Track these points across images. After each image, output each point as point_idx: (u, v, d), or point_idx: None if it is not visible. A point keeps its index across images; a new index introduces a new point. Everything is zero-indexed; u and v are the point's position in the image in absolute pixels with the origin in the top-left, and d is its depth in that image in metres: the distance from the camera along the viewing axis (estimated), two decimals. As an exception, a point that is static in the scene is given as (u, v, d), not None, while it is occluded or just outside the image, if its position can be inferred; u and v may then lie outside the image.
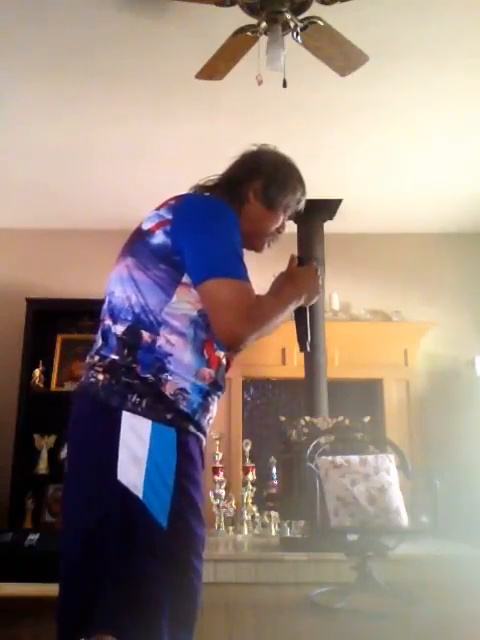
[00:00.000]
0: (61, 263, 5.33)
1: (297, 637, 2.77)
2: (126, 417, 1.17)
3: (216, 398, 1.30)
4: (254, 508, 4.61)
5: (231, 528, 4.53)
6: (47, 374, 4.87)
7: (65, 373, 4.91)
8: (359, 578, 3.27)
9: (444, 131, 3.99)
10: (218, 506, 4.51)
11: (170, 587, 1.14)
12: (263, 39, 2.72)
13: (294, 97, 3.50)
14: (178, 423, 1.20)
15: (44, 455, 4.74)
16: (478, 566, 3.71)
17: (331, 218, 5.07)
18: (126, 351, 1.22)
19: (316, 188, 4.75)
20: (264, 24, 2.67)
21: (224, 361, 1.32)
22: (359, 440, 4.09)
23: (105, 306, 1.31)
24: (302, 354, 4.80)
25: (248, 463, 4.76)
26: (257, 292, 1.27)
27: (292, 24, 2.68)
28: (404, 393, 5.22)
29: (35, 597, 2.92)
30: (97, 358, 1.25)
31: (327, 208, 4.97)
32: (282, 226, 1.49)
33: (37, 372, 4.80)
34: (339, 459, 3.51)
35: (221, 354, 1.30)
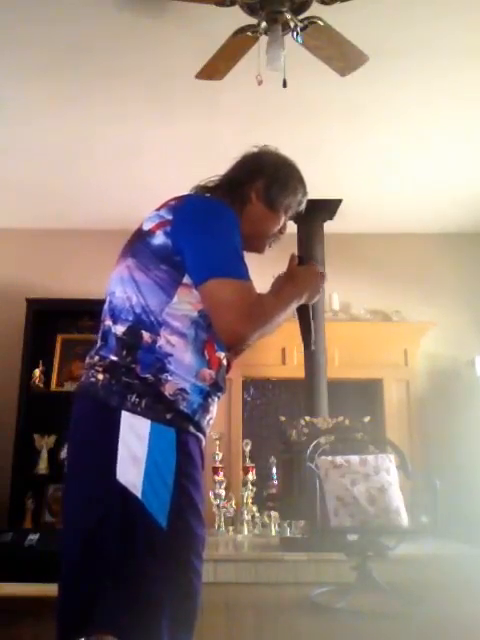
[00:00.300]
0: (61, 263, 5.33)
1: (297, 637, 2.77)
2: (125, 417, 1.17)
3: (216, 399, 1.30)
4: (254, 508, 4.61)
5: (231, 528, 4.53)
6: (47, 374, 4.87)
7: (65, 373, 4.91)
8: (359, 578, 3.27)
9: (444, 131, 3.99)
10: (218, 506, 4.51)
11: (170, 587, 1.14)
12: (263, 39, 2.72)
13: (294, 97, 3.50)
14: (178, 423, 1.20)
15: (44, 455, 4.74)
16: (478, 566, 3.71)
17: (331, 218, 5.07)
18: (126, 351, 1.22)
19: (316, 188, 4.75)
20: (264, 24, 2.67)
21: (225, 362, 1.32)
22: (359, 440, 4.09)
23: (106, 306, 1.31)
24: (302, 354, 4.80)
25: (248, 463, 4.76)
26: (258, 291, 1.27)
27: (292, 24, 2.67)
28: (404, 393, 5.22)
29: (35, 597, 2.92)
30: (97, 358, 1.25)
31: (327, 208, 4.97)
32: (283, 227, 1.50)
33: (37, 372, 4.80)
34: (339, 459, 3.51)
35: (222, 355, 1.30)
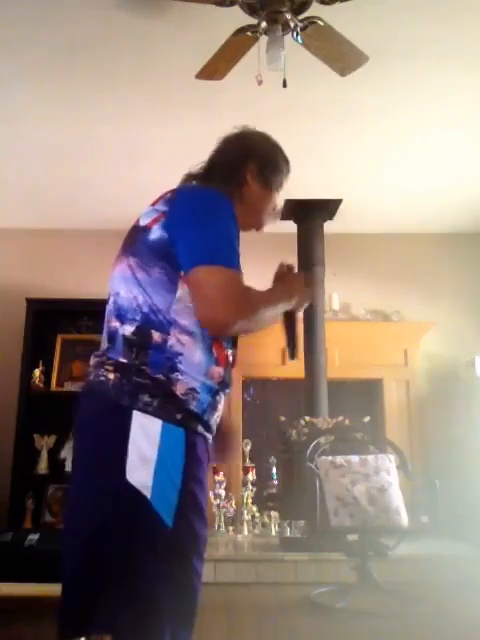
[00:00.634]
0: (61, 263, 5.33)
1: (297, 637, 2.77)
2: (136, 417, 1.16)
3: (223, 396, 1.30)
4: (254, 508, 4.61)
5: (231, 528, 4.53)
6: (47, 374, 4.87)
7: (65, 373, 4.91)
8: (359, 578, 3.27)
9: (444, 131, 3.99)
10: (218, 506, 4.51)
11: (172, 587, 1.15)
12: (263, 39, 2.72)
13: (294, 97, 3.50)
14: (187, 423, 1.20)
15: (44, 455, 4.74)
16: (478, 566, 3.71)
17: (331, 218, 5.07)
18: (135, 352, 1.21)
19: (316, 188, 4.80)
20: (264, 24, 2.67)
21: (231, 358, 1.32)
22: (359, 440, 4.09)
23: (110, 307, 1.30)
24: (302, 354, 4.80)
25: (248, 463, 4.77)
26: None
27: (292, 24, 2.68)
28: (404, 393, 5.22)
29: (35, 597, 2.92)
30: (105, 359, 1.24)
31: (327, 208, 4.97)
32: (277, 205, 1.54)
33: (37, 372, 4.80)
34: (339, 459, 3.51)
35: (228, 351, 1.30)
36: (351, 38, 2.78)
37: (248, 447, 4.81)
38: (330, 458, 3.54)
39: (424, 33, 3.11)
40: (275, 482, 4.70)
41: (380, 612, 3.01)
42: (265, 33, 2.70)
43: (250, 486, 4.66)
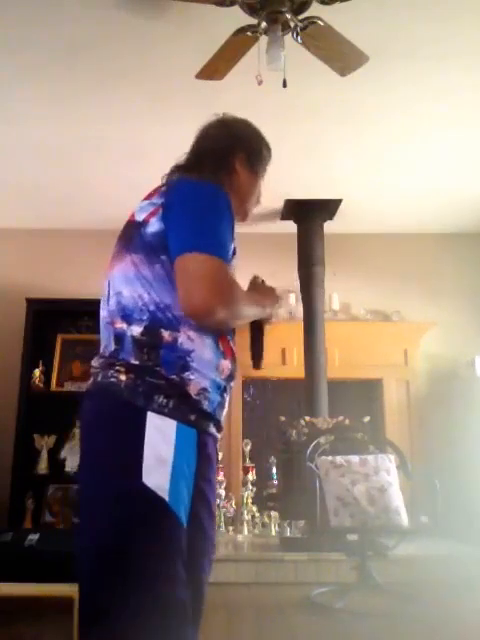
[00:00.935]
0: (61, 263, 5.33)
1: (297, 637, 2.77)
2: (151, 418, 1.15)
3: (230, 390, 1.31)
4: (254, 508, 4.61)
5: (231, 528, 4.53)
6: (47, 374, 4.87)
7: (65, 373, 4.91)
8: (359, 578, 3.27)
9: (444, 131, 3.99)
10: (218, 506, 4.51)
11: (189, 587, 1.15)
12: (263, 39, 2.72)
13: (294, 97, 3.50)
14: (199, 424, 1.20)
15: (44, 455, 4.74)
16: (478, 566, 3.71)
17: (331, 218, 5.07)
18: (146, 352, 1.19)
19: (316, 188, 4.80)
20: (264, 24, 2.66)
21: (235, 350, 1.32)
22: (359, 440, 4.09)
23: (113, 307, 1.26)
24: (302, 354, 4.80)
25: (248, 463, 4.77)
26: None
27: (292, 24, 2.67)
28: (404, 393, 5.22)
29: (35, 597, 2.91)
30: (114, 360, 1.22)
31: (327, 208, 4.97)
32: (260, 192, 1.55)
33: (37, 372, 4.80)
34: (339, 459, 3.51)
35: (232, 343, 1.31)
36: (351, 38, 2.78)
37: (248, 447, 4.81)
38: (330, 458, 3.54)
39: (424, 33, 3.11)
40: (275, 482, 4.70)
41: (380, 612, 3.01)
42: (265, 33, 2.70)
43: (250, 486, 4.66)
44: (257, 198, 1.54)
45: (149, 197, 1.32)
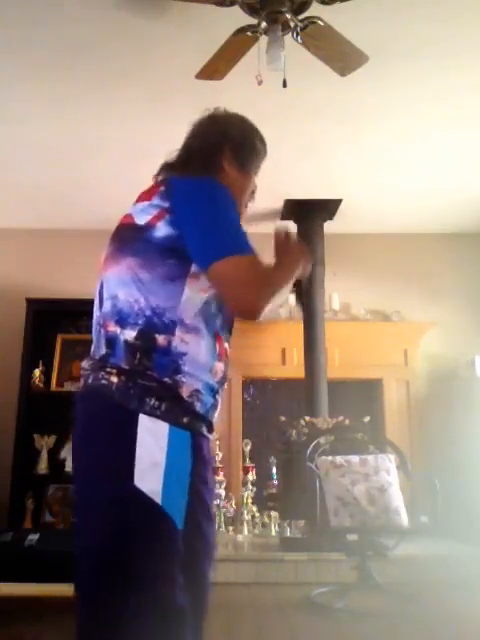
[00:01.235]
0: (61, 263, 5.32)
1: (297, 637, 2.77)
2: (143, 420, 1.14)
3: (222, 392, 1.30)
4: (254, 508, 4.61)
5: (231, 528, 4.53)
6: (47, 374, 4.87)
7: (65, 373, 4.91)
8: (359, 578, 3.27)
9: (445, 131, 3.99)
10: (218, 506, 4.51)
11: (189, 590, 1.14)
12: (263, 39, 2.72)
13: (294, 97, 3.50)
14: (192, 426, 1.20)
15: (44, 455, 4.74)
16: (478, 566, 3.71)
17: (331, 218, 5.07)
18: (139, 357, 1.18)
19: (316, 188, 4.80)
20: (264, 24, 2.66)
21: (228, 352, 1.32)
22: (359, 440, 4.09)
23: (108, 310, 1.25)
24: (302, 354, 4.80)
25: (248, 463, 4.77)
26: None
27: (292, 24, 2.67)
28: (404, 393, 5.22)
29: (35, 597, 2.91)
30: (104, 363, 1.20)
31: (327, 208, 4.97)
32: (255, 186, 1.51)
33: (37, 372, 4.80)
34: (339, 459, 3.51)
35: (227, 346, 1.30)
36: (351, 38, 2.78)
37: (248, 447, 4.81)
38: (330, 458, 3.54)
39: (424, 33, 3.11)
40: (275, 482, 4.70)
41: (380, 612, 3.01)
42: (265, 33, 2.70)
43: (250, 486, 4.66)
44: (251, 194, 1.49)
45: (147, 198, 1.28)
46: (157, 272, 1.21)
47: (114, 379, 1.17)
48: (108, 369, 1.19)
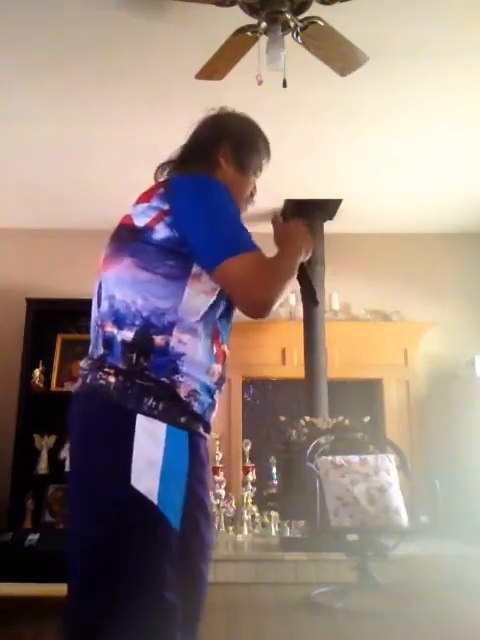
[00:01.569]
0: (61, 263, 5.32)
1: (297, 637, 2.77)
2: (140, 420, 1.14)
3: (219, 393, 1.30)
4: (254, 508, 4.61)
5: (231, 528, 4.53)
6: (47, 374, 4.87)
7: (65, 373, 4.91)
8: (359, 578, 3.27)
9: (444, 131, 3.99)
10: (218, 506, 4.51)
11: (181, 591, 1.14)
12: (263, 39, 2.71)
13: (294, 97, 3.50)
14: (190, 426, 1.20)
15: (44, 455, 4.74)
16: (478, 566, 3.71)
17: (331, 218, 5.06)
18: (136, 357, 1.18)
19: (316, 188, 4.80)
20: (264, 24, 2.66)
21: (227, 353, 1.31)
22: (359, 440, 4.09)
23: (105, 310, 1.25)
24: (302, 354, 4.80)
25: (248, 463, 4.76)
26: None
27: (292, 24, 2.67)
28: (404, 393, 5.22)
29: (35, 597, 2.92)
30: (102, 363, 1.21)
31: (327, 208, 4.97)
32: (255, 188, 1.48)
33: (37, 372, 4.80)
34: (339, 459, 3.51)
35: (225, 347, 1.30)
36: (351, 38, 2.78)
37: (248, 447, 4.81)
38: (330, 458, 3.54)
39: (424, 33, 3.11)
40: (275, 482, 4.70)
41: (380, 612, 3.01)
42: (265, 33, 2.69)
43: (250, 486, 4.66)
44: (250, 197, 1.48)
45: (146, 200, 1.28)
46: (157, 272, 1.21)
47: (112, 379, 1.17)
48: (106, 369, 1.19)
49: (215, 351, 1.25)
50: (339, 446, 3.88)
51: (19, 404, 4.71)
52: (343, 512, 3.30)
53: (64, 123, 3.92)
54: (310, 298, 1.47)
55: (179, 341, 1.19)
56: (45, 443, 4.78)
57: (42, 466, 4.72)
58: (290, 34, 2.72)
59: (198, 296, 1.22)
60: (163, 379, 1.17)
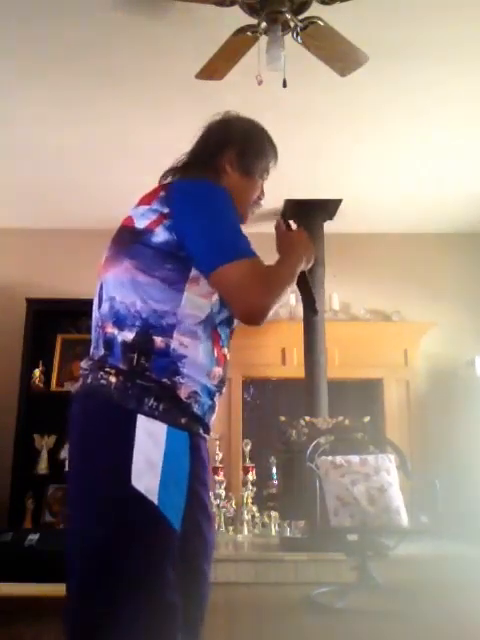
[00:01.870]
0: (61, 263, 5.32)
1: (297, 637, 2.77)
2: (141, 421, 1.14)
3: (219, 396, 1.30)
4: (254, 508, 4.61)
5: (231, 528, 4.53)
6: (47, 374, 4.87)
7: (65, 373, 4.91)
8: (359, 578, 3.27)
9: (444, 131, 3.99)
10: (218, 506, 4.51)
11: (183, 593, 1.14)
12: (263, 39, 2.72)
13: (294, 97, 3.50)
14: (190, 427, 1.19)
15: (44, 455, 4.74)
16: (478, 566, 3.71)
17: (331, 218, 5.07)
18: (136, 358, 1.18)
19: (316, 188, 4.80)
20: (264, 24, 2.66)
21: (228, 357, 1.31)
22: (359, 440, 4.09)
23: (105, 311, 1.25)
24: (302, 354, 4.80)
25: (248, 463, 4.77)
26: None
27: (292, 24, 2.67)
28: (404, 393, 5.23)
29: (35, 597, 2.92)
30: (102, 364, 1.20)
31: (327, 208, 4.97)
32: (262, 192, 1.48)
33: (37, 372, 4.80)
34: (339, 459, 3.51)
35: (225, 350, 1.29)
36: (351, 38, 2.78)
37: (248, 447, 4.81)
38: (330, 458, 3.54)
39: (424, 33, 3.11)
40: (275, 482, 4.70)
41: (380, 612, 3.00)
42: (265, 33, 2.70)
43: (250, 486, 4.66)
44: (257, 200, 1.47)
45: (147, 202, 1.27)
46: (156, 276, 1.21)
47: (113, 379, 1.17)
48: (107, 369, 1.19)
49: (216, 354, 1.25)
50: (339, 446, 3.88)
51: (19, 404, 4.71)
52: (343, 512, 3.30)
53: (64, 123, 3.92)
54: (310, 307, 1.46)
55: (180, 344, 1.19)
56: (45, 443, 4.78)
57: (42, 466, 4.72)
58: (290, 34, 2.72)
59: (197, 300, 1.22)
60: (164, 380, 1.17)
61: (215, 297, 1.24)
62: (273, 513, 4.53)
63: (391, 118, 3.85)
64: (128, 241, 1.26)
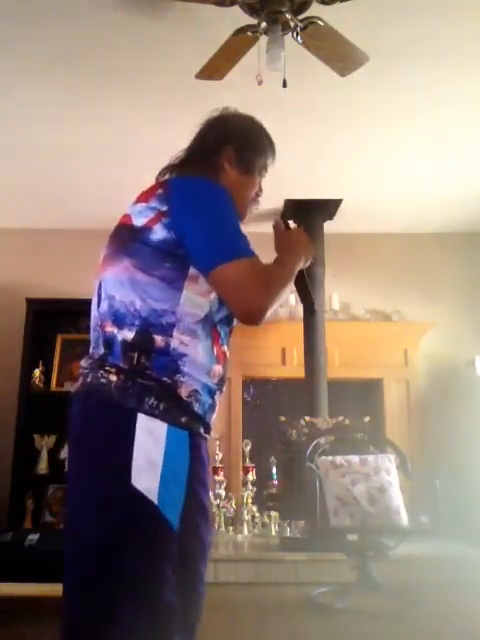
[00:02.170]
0: (61, 263, 5.32)
1: (297, 637, 2.77)
2: (142, 419, 1.13)
3: (220, 394, 1.29)
4: (254, 508, 4.61)
5: (231, 528, 4.53)
6: (47, 374, 4.87)
7: (65, 373, 4.91)
8: (359, 578, 3.27)
9: (444, 131, 3.99)
10: (218, 506, 4.51)
11: (180, 594, 1.13)
12: (263, 39, 2.71)
13: (294, 97, 3.50)
14: (190, 426, 1.19)
15: (44, 455, 4.74)
16: (478, 566, 3.71)
17: (331, 218, 5.07)
18: (136, 357, 1.18)
19: (316, 188, 4.80)
20: (264, 24, 2.66)
21: (228, 355, 1.31)
22: (359, 440, 4.09)
23: (105, 310, 1.25)
24: (302, 354, 4.80)
25: (248, 463, 4.77)
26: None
27: (292, 24, 2.67)
28: (404, 393, 5.22)
29: (35, 597, 2.92)
30: (102, 362, 1.20)
31: (327, 208, 4.97)
32: (260, 189, 1.47)
33: (37, 372, 4.80)
34: (339, 459, 3.51)
35: (225, 348, 1.29)
36: (351, 38, 2.78)
37: (248, 447, 4.81)
38: (330, 458, 3.54)
39: (424, 33, 3.11)
40: (275, 482, 4.70)
41: (380, 612, 3.01)
42: (265, 33, 2.69)
43: (250, 486, 4.66)
44: (255, 198, 1.46)
45: (145, 199, 1.27)
46: (154, 274, 1.20)
47: (113, 378, 1.17)
48: (107, 368, 1.19)
49: (216, 352, 1.25)
50: (339, 446, 3.89)
51: (19, 404, 4.71)
52: (343, 512, 3.30)
53: (64, 123, 3.92)
54: (308, 308, 1.46)
55: (180, 342, 1.19)
56: (45, 443, 4.78)
57: (42, 466, 4.72)
58: (290, 34, 2.72)
59: (196, 298, 1.21)
60: (164, 379, 1.17)
61: (213, 295, 1.23)
62: (273, 513, 4.53)
63: (391, 117, 3.85)
64: (126, 239, 1.26)
